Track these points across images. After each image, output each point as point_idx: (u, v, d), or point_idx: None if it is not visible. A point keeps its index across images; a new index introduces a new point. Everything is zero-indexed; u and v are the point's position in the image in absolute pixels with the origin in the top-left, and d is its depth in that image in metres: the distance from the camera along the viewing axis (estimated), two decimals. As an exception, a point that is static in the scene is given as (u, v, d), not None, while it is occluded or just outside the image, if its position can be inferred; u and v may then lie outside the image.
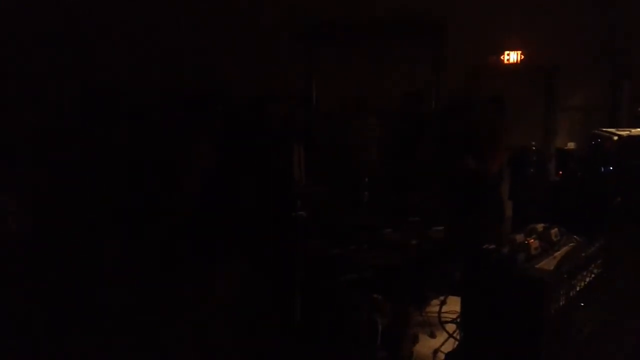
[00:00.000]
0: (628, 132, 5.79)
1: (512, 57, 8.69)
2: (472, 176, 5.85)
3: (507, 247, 3.53)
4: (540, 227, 3.86)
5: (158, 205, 5.42)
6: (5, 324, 4.61)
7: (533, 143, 7.76)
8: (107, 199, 5.64)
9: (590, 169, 6.09)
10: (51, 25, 6.12)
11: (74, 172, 5.70)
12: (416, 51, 8.51)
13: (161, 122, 5.92)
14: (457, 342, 4.33)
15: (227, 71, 7.66)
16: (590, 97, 8.92)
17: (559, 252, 3.64)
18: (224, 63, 7.75)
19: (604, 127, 6.42)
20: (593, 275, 3.69)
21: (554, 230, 3.82)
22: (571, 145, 8.05)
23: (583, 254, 3.62)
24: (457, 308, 3.92)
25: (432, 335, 5.11)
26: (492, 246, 3.58)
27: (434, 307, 5.16)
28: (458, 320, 4.15)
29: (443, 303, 4.77)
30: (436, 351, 4.82)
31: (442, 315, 4.64)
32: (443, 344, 4.75)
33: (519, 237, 3.62)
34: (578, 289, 3.51)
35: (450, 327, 4.61)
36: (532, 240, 3.59)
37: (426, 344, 5.01)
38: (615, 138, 5.70)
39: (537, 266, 3.43)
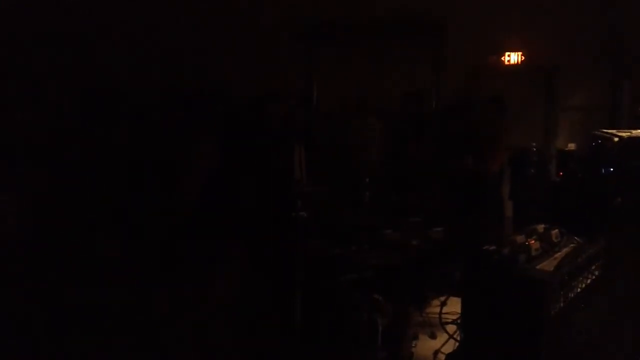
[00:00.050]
0: (629, 133, 5.79)
1: (513, 58, 8.68)
2: (472, 176, 5.86)
3: (508, 248, 3.53)
4: (540, 228, 3.87)
5: (158, 205, 5.43)
6: (5, 324, 4.61)
7: (534, 144, 7.76)
8: (107, 199, 5.64)
9: (590, 170, 6.08)
10: (51, 25, 6.12)
11: (74, 172, 5.70)
12: (416, 51, 8.50)
13: (161, 122, 5.93)
14: (457, 343, 4.33)
15: (227, 71, 7.65)
16: (590, 97, 8.93)
17: (559, 253, 3.64)
18: (224, 63, 7.75)
19: (604, 127, 6.42)
20: (593, 277, 3.69)
21: (555, 231, 3.82)
22: (572, 145, 8.05)
23: (583, 255, 3.62)
24: (458, 309, 3.92)
25: (433, 336, 5.10)
26: (493, 247, 3.58)
27: (434, 307, 5.16)
28: (458, 321, 4.15)
29: (444, 304, 4.77)
30: (437, 352, 4.81)
31: (443, 316, 4.64)
32: (444, 344, 4.75)
33: (520, 238, 3.62)
34: (578, 290, 3.52)
35: (451, 328, 4.61)
36: (532, 241, 3.59)
37: (427, 345, 5.00)
38: (616, 139, 5.70)
39: (537, 267, 3.44)
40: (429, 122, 7.09)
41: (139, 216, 5.43)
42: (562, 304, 3.32)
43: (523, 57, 8.67)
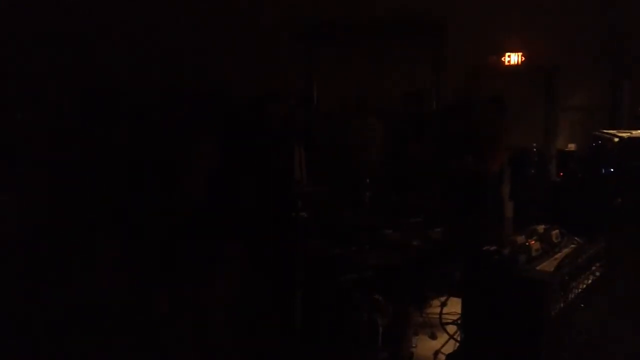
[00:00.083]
0: (629, 134, 5.80)
1: (513, 58, 8.68)
2: (472, 176, 5.86)
3: (508, 248, 3.53)
4: (541, 228, 3.87)
5: (158, 205, 5.42)
6: (5, 324, 4.61)
7: (534, 144, 7.75)
8: (107, 199, 5.64)
9: (590, 170, 6.09)
10: (51, 25, 6.12)
11: (74, 172, 5.70)
12: (416, 51, 8.50)
13: (161, 122, 5.92)
14: (457, 344, 4.33)
15: (227, 71, 7.65)
16: (590, 97, 8.92)
17: (559, 254, 3.64)
18: (224, 63, 7.75)
19: (604, 128, 6.43)
20: (594, 277, 3.69)
21: (555, 232, 3.82)
22: (572, 146, 8.04)
23: (584, 256, 3.62)
24: (458, 309, 3.92)
25: (433, 337, 5.10)
26: (493, 247, 3.58)
27: (434, 308, 5.16)
28: (459, 321, 4.14)
29: (444, 304, 4.77)
30: (437, 352, 4.81)
31: (443, 316, 4.64)
32: (444, 345, 4.75)
33: (520, 239, 3.62)
34: (579, 290, 3.52)
35: (451, 329, 4.60)
36: (533, 242, 3.60)
37: (427, 345, 5.00)
38: (616, 139, 5.71)
39: (537, 268, 3.44)
40: (429, 122, 7.08)
41: (139, 216, 5.43)
42: (562, 305, 3.32)
43: (523, 58, 8.67)
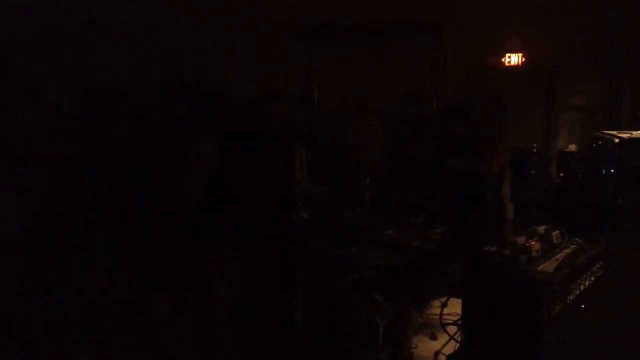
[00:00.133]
0: (629, 135, 5.81)
1: (513, 59, 8.67)
2: (472, 176, 5.86)
3: (509, 249, 3.54)
4: (541, 229, 3.87)
5: (158, 205, 5.42)
6: (5, 324, 4.61)
7: (534, 144, 7.75)
8: (107, 199, 5.64)
9: (591, 171, 6.10)
10: (51, 25, 6.12)
11: (74, 172, 5.70)
12: (416, 51, 8.50)
13: (161, 122, 5.92)
14: (458, 344, 4.33)
15: (227, 71, 7.65)
16: (591, 98, 8.92)
17: (560, 254, 3.65)
18: (224, 63, 7.75)
19: (604, 128, 6.43)
20: (594, 277, 3.70)
21: (556, 232, 3.83)
22: (572, 147, 8.03)
23: (584, 256, 3.62)
24: (459, 310, 3.92)
25: (434, 337, 5.11)
26: (494, 248, 3.58)
27: (435, 308, 5.17)
28: (459, 322, 4.14)
29: (444, 305, 4.77)
30: (437, 353, 4.81)
31: (443, 317, 4.64)
32: (444, 346, 4.75)
33: (521, 239, 3.62)
34: (579, 290, 3.52)
35: (452, 329, 4.60)
36: (533, 242, 3.60)
37: (427, 346, 5.01)
38: (617, 140, 5.72)
39: (538, 268, 3.44)
40: (429, 122, 7.08)
41: (139, 216, 5.43)
42: (562, 305, 3.33)
43: (523, 59, 8.66)
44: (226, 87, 6.62)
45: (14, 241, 5.22)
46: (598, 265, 3.77)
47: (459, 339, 4.32)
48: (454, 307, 4.55)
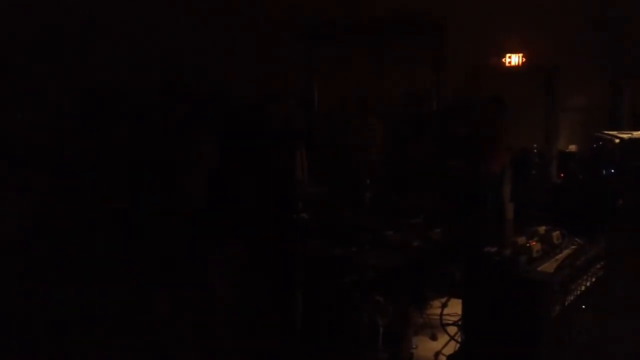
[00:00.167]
0: (630, 135, 5.81)
1: (514, 59, 8.66)
2: (472, 176, 5.86)
3: (509, 249, 3.54)
4: (542, 229, 3.87)
5: (158, 206, 5.42)
6: (5, 324, 4.61)
7: (534, 145, 7.74)
8: (107, 199, 5.64)
9: (591, 171, 6.10)
10: (51, 25, 6.12)
11: (74, 172, 5.70)
12: (416, 51, 8.49)
13: (161, 122, 5.92)
14: (458, 345, 4.33)
15: (227, 71, 7.65)
16: (591, 98, 8.91)
17: (560, 255, 3.65)
18: (224, 63, 7.75)
19: (604, 128, 6.43)
20: (594, 278, 3.70)
21: (556, 233, 3.82)
22: (572, 147, 8.03)
23: (584, 257, 3.62)
24: (459, 310, 3.92)
25: (434, 338, 5.11)
26: (494, 248, 3.58)
27: (435, 309, 5.17)
28: (459, 322, 4.15)
29: (444, 305, 4.77)
30: (437, 353, 4.82)
31: (444, 317, 4.64)
32: (444, 346, 4.76)
33: (521, 240, 3.62)
34: (579, 291, 3.52)
35: (452, 330, 4.61)
36: (534, 243, 3.60)
37: (427, 347, 5.01)
38: (617, 141, 5.72)
39: (538, 268, 3.44)
40: (429, 122, 7.08)
41: (139, 216, 5.43)
42: (562, 305, 3.33)
43: (524, 59, 8.66)
44: (226, 87, 6.62)
45: (14, 241, 5.22)
46: (598, 266, 3.77)
47: (459, 340, 4.32)
48: (454, 307, 4.55)
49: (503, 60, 8.68)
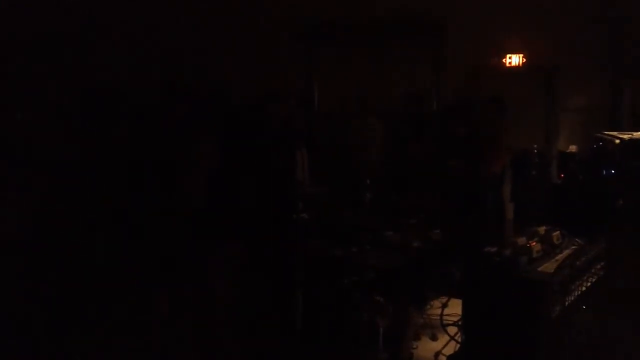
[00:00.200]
0: (630, 135, 5.81)
1: (514, 60, 8.66)
2: (472, 176, 5.86)
3: (509, 249, 3.53)
4: (542, 229, 3.86)
5: (158, 206, 5.42)
6: (5, 324, 4.61)
7: (535, 145, 7.74)
8: (107, 199, 5.65)
9: (592, 172, 6.10)
10: (51, 25, 6.12)
11: (74, 172, 5.70)
12: (416, 51, 8.49)
13: (161, 122, 5.92)
14: (458, 345, 4.33)
15: (227, 71, 7.65)
16: (591, 98, 8.91)
17: (560, 255, 3.64)
18: (224, 63, 7.75)
19: (604, 128, 6.43)
20: (594, 278, 3.69)
21: (556, 233, 3.82)
22: (573, 147, 8.02)
23: (584, 257, 3.62)
24: (459, 310, 3.92)
25: (434, 338, 5.11)
26: (494, 248, 3.58)
27: (435, 309, 5.16)
28: (460, 322, 4.15)
29: (445, 305, 4.77)
30: (438, 354, 4.81)
31: (444, 317, 4.64)
32: (445, 346, 4.75)
33: (521, 240, 3.62)
34: (579, 291, 3.52)
35: (452, 330, 4.61)
36: (534, 243, 3.59)
37: (428, 347, 5.01)
38: (617, 141, 5.72)
39: (538, 269, 3.44)
40: (429, 122, 7.08)
41: (139, 216, 5.43)
42: (562, 305, 3.32)
43: (524, 60, 8.65)
44: (226, 87, 6.62)
45: (14, 241, 5.22)
46: (598, 266, 3.76)
47: (459, 340, 4.32)
48: (455, 307, 4.55)
49: (503, 60, 8.67)
